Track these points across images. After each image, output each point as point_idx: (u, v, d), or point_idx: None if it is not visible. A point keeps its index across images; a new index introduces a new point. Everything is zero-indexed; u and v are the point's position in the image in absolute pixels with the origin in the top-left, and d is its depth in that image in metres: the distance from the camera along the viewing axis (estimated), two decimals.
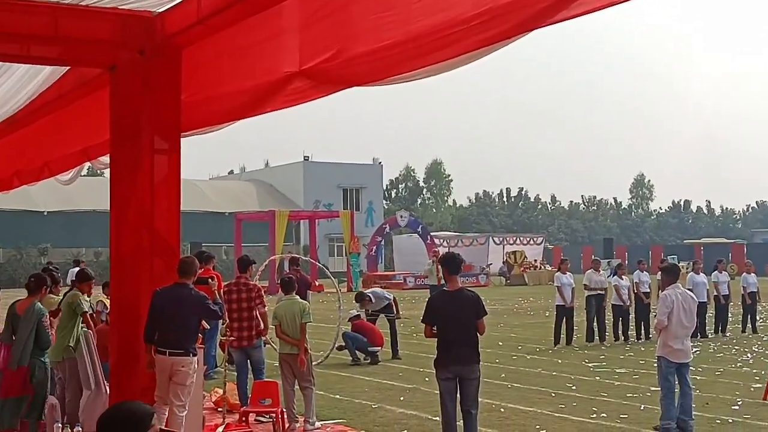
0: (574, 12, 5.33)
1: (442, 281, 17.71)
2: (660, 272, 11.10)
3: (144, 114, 8.11)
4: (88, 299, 10.15)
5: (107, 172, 9.18)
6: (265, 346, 11.96)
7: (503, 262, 55.20)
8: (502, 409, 11.42)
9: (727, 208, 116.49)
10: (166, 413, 8.20)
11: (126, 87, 8.23)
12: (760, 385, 12.79)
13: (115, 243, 8.34)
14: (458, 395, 8.55)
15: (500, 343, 19.18)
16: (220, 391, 11.12)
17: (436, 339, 8.61)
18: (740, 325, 21.92)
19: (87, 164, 12.36)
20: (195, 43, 7.99)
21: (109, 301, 10.26)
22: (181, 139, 8.59)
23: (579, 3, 5.15)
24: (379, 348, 16.57)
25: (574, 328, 19.63)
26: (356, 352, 16.38)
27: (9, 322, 9.37)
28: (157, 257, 8.08)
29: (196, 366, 8.44)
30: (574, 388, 13.27)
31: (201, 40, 7.92)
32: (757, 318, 22.44)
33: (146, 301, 8.06)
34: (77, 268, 14.82)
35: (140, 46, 8.02)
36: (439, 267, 22.51)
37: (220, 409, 10.42)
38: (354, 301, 18.19)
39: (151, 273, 8.06)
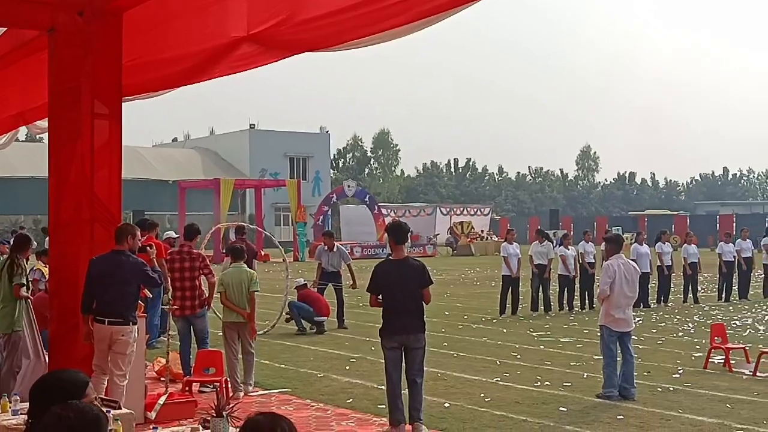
0: None
1: None
2: (604, 242, 11.20)
3: (84, 77, 7.91)
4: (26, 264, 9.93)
5: (46, 138, 8.94)
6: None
7: (450, 233, 55.44)
8: (447, 378, 11.46)
9: (671, 181, 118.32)
10: (105, 383, 8.06)
11: (65, 49, 8.00)
12: (701, 354, 13.01)
13: (54, 210, 8.15)
14: (403, 364, 8.54)
15: (446, 313, 19.26)
16: (163, 361, 10.99)
17: (382, 308, 8.58)
18: (682, 296, 22.28)
19: (24, 129, 12.06)
20: (137, 5, 7.79)
21: (47, 269, 10.05)
22: (124, 104, 8.40)
23: None
24: (326, 318, 16.53)
25: (520, 298, 19.78)
26: (302, 321, 16.31)
27: None
28: (98, 225, 7.92)
29: (136, 335, 8.30)
30: (518, 357, 13.37)
31: (144, 2, 7.72)
32: (698, 288, 22.83)
33: (86, 270, 7.90)
34: None
35: (79, 8, 7.81)
36: None
37: (162, 379, 10.28)
38: (322, 235, 18.66)
39: (92, 241, 7.90)
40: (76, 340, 8.10)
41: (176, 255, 11.35)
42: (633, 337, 10.97)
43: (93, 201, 7.84)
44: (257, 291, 10.75)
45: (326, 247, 17.59)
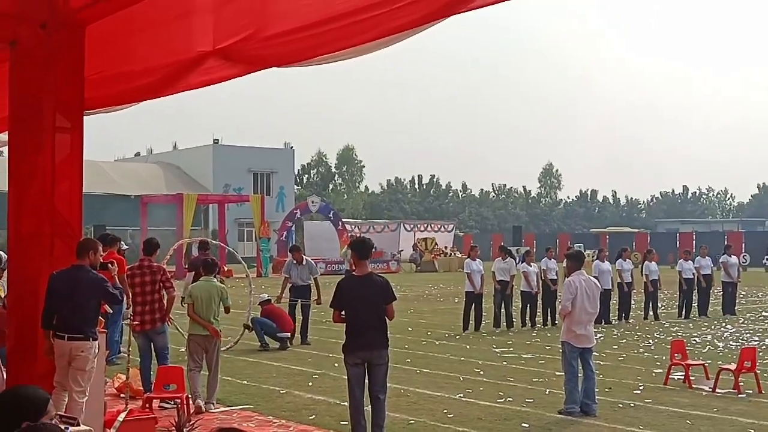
0: None
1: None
2: (566, 259, 11.27)
3: (45, 91, 7.82)
4: None
5: (5, 150, 8.84)
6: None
7: (414, 249, 55.52)
8: (410, 394, 11.45)
9: (632, 198, 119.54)
10: (66, 399, 7.96)
11: (27, 62, 7.91)
12: (661, 370, 13.12)
13: (14, 225, 8.04)
14: (366, 380, 8.52)
15: (410, 329, 19.25)
16: (123, 377, 10.88)
17: (345, 324, 8.56)
18: (642, 312, 22.47)
19: None
20: (101, 18, 7.73)
21: (5, 284, 9.90)
22: (86, 118, 8.32)
23: None
24: (288, 334, 16.46)
25: (483, 314, 19.83)
26: (265, 337, 16.23)
27: None
28: (58, 239, 7.82)
29: (96, 350, 8.21)
30: (481, 373, 13.39)
31: (107, 16, 7.67)
32: (659, 305, 23.04)
33: (46, 284, 7.80)
34: None
35: (42, 20, 7.73)
36: None
37: (122, 395, 10.17)
38: (288, 252, 18.74)
39: (51, 256, 7.80)
40: (35, 356, 7.99)
41: (136, 269, 11.26)
42: (594, 353, 11.04)
43: (53, 215, 7.75)
44: (229, 305, 11.03)
45: (295, 261, 17.53)
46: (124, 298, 11.13)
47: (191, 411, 9.83)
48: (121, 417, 9.03)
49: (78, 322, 7.97)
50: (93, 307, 8.21)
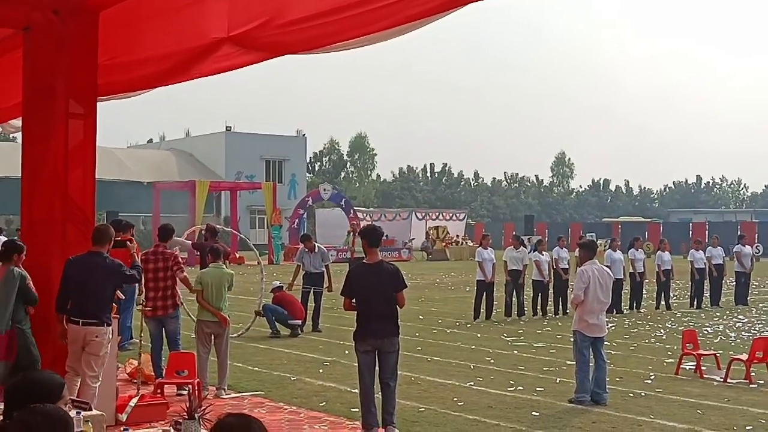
0: None
1: (356, 254, 17.66)
2: (578, 248, 11.25)
3: (59, 76, 7.86)
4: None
5: (20, 137, 8.88)
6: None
7: (425, 237, 55.51)
8: (421, 382, 11.46)
9: (645, 188, 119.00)
10: (78, 384, 8.01)
11: (40, 48, 7.95)
12: (672, 360, 13.10)
13: (27, 210, 8.10)
14: (377, 368, 8.54)
15: (421, 317, 19.27)
16: (135, 362, 10.93)
17: (356, 312, 8.57)
18: (654, 302, 22.42)
19: None
20: (114, 4, 7.75)
21: None
22: (100, 104, 8.36)
23: None
24: (299, 321, 16.49)
25: (494, 303, 19.83)
26: (276, 324, 16.26)
27: None
28: (71, 225, 7.87)
29: (110, 336, 8.26)
30: (492, 361, 13.40)
31: (121, 2, 7.69)
32: (671, 295, 22.97)
33: (58, 269, 7.85)
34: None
35: (55, 6, 7.76)
36: (355, 240, 22.47)
37: (134, 381, 10.22)
38: (300, 242, 18.61)
39: (64, 241, 7.85)
40: (48, 340, 8.04)
41: (150, 255, 11.28)
42: (606, 342, 11.03)
43: (66, 201, 7.79)
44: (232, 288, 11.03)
45: (307, 249, 17.54)
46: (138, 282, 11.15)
47: (203, 396, 9.87)
48: (133, 402, 9.09)
49: (93, 308, 8.01)
50: (109, 294, 8.26)
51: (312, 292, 17.25)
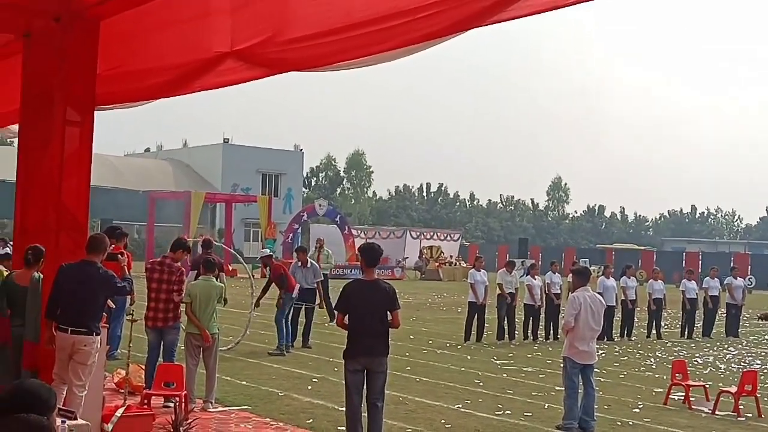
0: (515, 13, 5.33)
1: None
2: (571, 274, 11.24)
3: (57, 84, 7.85)
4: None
5: (17, 142, 8.86)
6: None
7: (419, 257, 55.46)
8: (409, 403, 11.42)
9: (640, 216, 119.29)
10: (65, 392, 7.96)
11: (39, 55, 7.95)
12: (662, 390, 13.07)
13: (21, 216, 8.07)
14: (365, 387, 8.49)
15: (411, 337, 19.22)
16: (123, 372, 10.87)
17: (347, 329, 8.52)
18: (645, 330, 22.39)
19: None
20: (115, 14, 7.75)
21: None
22: (99, 112, 8.35)
23: (520, 5, 5.17)
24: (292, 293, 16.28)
25: (485, 325, 19.79)
26: (287, 338, 16.09)
27: (4, 294, 8.91)
28: (64, 233, 7.84)
29: (98, 345, 8.21)
30: (481, 384, 13.36)
31: (122, 12, 7.69)
32: (662, 324, 22.95)
33: (51, 277, 7.81)
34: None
35: (56, 14, 7.76)
36: (320, 255, 22.27)
37: (121, 391, 10.16)
38: (294, 253, 18.64)
39: (57, 248, 7.82)
40: (37, 347, 8.00)
41: (157, 265, 11.23)
42: (596, 369, 11.00)
43: (60, 209, 7.77)
44: (226, 297, 11.08)
45: (300, 263, 17.41)
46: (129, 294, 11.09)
47: (189, 409, 9.82)
48: (119, 412, 9.03)
49: (83, 317, 7.98)
50: (100, 304, 8.24)
51: (303, 308, 17.17)
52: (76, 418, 6.19)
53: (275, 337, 16.27)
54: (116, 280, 8.32)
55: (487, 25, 5.60)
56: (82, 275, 7.93)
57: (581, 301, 10.42)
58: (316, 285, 17.22)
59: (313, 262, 18.15)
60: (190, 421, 6.36)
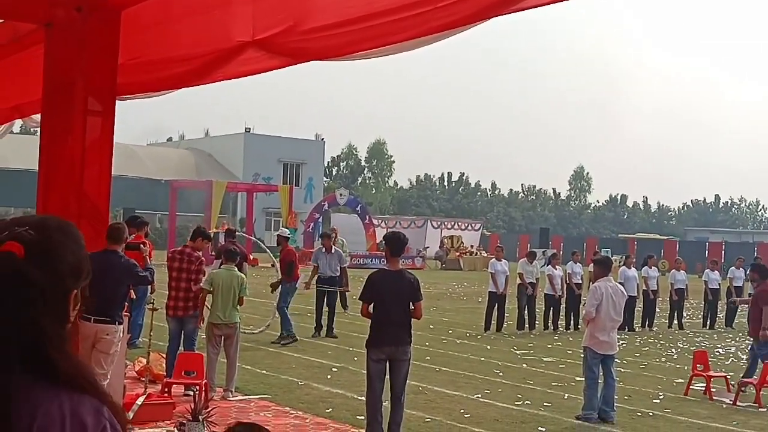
0: (537, 1, 5.29)
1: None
2: (593, 264, 11.20)
3: (78, 74, 7.85)
4: None
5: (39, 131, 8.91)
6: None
7: (440, 246, 55.42)
8: (428, 392, 11.44)
9: (663, 205, 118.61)
10: None
11: (61, 45, 7.95)
12: (682, 380, 13.02)
13: (42, 205, 8.10)
14: (387, 376, 8.51)
15: (431, 327, 19.23)
16: (144, 361, 10.95)
17: (371, 319, 8.51)
18: (667, 321, 22.29)
19: (19, 122, 12.01)
20: (137, 3, 7.76)
21: None
22: (120, 102, 8.37)
23: None
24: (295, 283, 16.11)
25: (506, 315, 19.77)
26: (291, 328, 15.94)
27: None
28: (85, 221, 7.84)
29: (120, 334, 8.29)
30: (501, 374, 13.36)
31: (144, 2, 7.70)
32: (684, 314, 22.84)
33: None
34: None
35: (77, 3, 7.77)
36: (334, 243, 22.09)
37: (142, 379, 10.23)
38: (319, 238, 18.31)
39: None
40: None
41: (177, 255, 11.30)
42: (616, 360, 10.97)
43: (81, 198, 7.79)
44: (246, 296, 10.93)
45: (324, 249, 17.26)
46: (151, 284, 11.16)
47: (209, 398, 9.88)
48: (140, 401, 9.11)
49: (106, 306, 8.07)
50: (123, 293, 8.34)
51: (326, 294, 16.98)
52: None
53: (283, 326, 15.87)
54: (138, 269, 8.40)
55: (509, 13, 5.56)
56: (105, 264, 7.99)
57: (602, 291, 10.38)
58: (339, 271, 17.15)
59: (338, 249, 18.02)
60: (209, 409, 6.39)
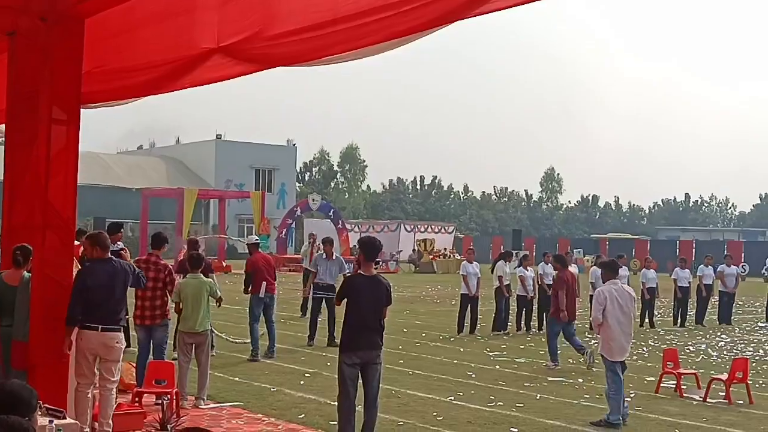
0: (499, 4, 5.33)
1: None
2: (600, 268, 11.08)
3: (43, 83, 7.83)
4: None
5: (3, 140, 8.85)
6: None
7: (413, 250, 55.46)
8: (401, 396, 11.44)
9: (634, 205, 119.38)
10: (90, 395, 7.95)
11: (25, 54, 7.92)
12: (653, 378, 13.11)
13: (7, 214, 8.07)
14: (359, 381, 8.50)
15: (405, 330, 19.24)
16: None
17: (345, 323, 8.48)
18: (638, 319, 22.43)
19: None
20: (100, 11, 7.73)
21: None
22: (88, 110, 8.35)
23: None
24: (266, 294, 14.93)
25: (479, 317, 19.81)
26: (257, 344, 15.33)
27: None
28: (50, 231, 7.82)
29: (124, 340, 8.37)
30: (473, 376, 13.39)
31: (107, 9, 7.67)
32: (655, 313, 23.00)
33: (37, 275, 7.80)
34: None
35: (41, 12, 7.74)
36: (313, 250, 21.85)
37: None
38: (321, 243, 18.07)
39: (43, 246, 7.80)
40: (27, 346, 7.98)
41: (142, 263, 11.17)
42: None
43: (46, 207, 7.76)
44: (219, 296, 11.01)
45: (325, 255, 16.73)
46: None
47: (181, 406, 9.83)
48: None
49: (114, 314, 8.13)
50: (125, 296, 8.42)
51: (325, 301, 16.42)
52: (64, 418, 6.19)
53: (271, 334, 15.13)
54: (135, 269, 8.55)
55: (472, 17, 5.61)
56: (110, 273, 8.16)
57: (606, 295, 10.23)
58: (339, 278, 16.75)
59: (338, 255, 17.54)
60: (178, 419, 6.37)
